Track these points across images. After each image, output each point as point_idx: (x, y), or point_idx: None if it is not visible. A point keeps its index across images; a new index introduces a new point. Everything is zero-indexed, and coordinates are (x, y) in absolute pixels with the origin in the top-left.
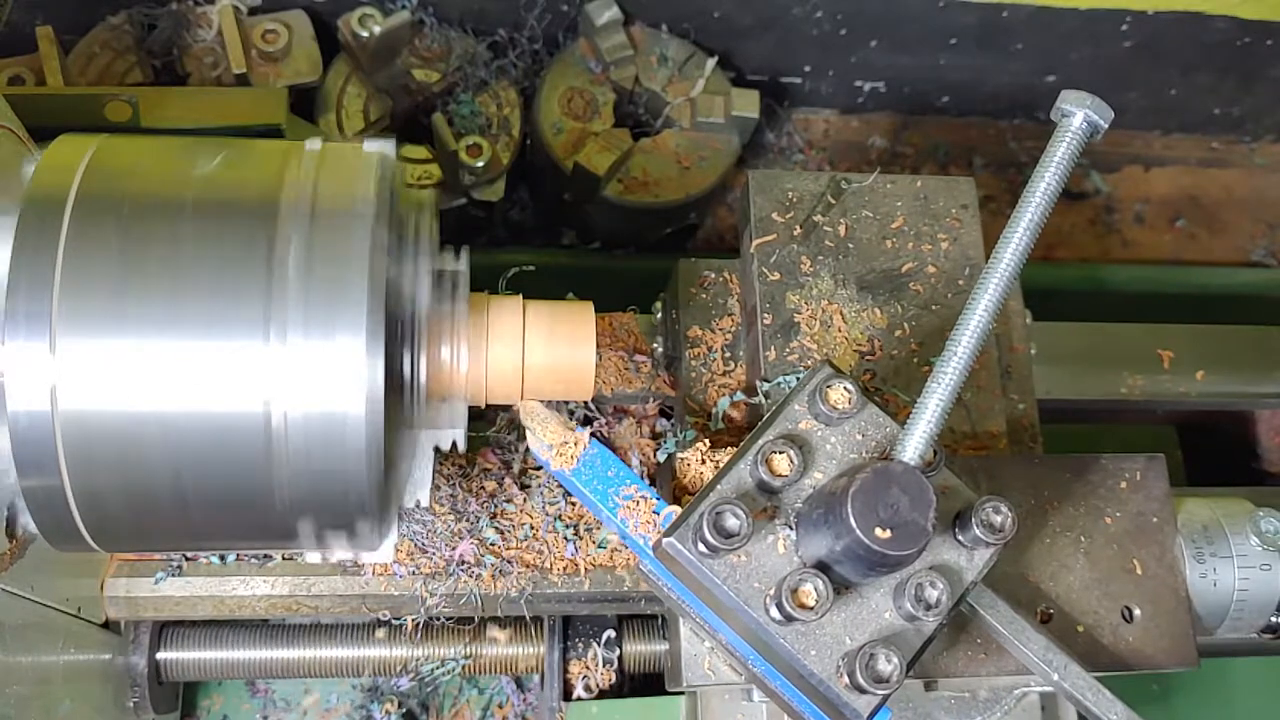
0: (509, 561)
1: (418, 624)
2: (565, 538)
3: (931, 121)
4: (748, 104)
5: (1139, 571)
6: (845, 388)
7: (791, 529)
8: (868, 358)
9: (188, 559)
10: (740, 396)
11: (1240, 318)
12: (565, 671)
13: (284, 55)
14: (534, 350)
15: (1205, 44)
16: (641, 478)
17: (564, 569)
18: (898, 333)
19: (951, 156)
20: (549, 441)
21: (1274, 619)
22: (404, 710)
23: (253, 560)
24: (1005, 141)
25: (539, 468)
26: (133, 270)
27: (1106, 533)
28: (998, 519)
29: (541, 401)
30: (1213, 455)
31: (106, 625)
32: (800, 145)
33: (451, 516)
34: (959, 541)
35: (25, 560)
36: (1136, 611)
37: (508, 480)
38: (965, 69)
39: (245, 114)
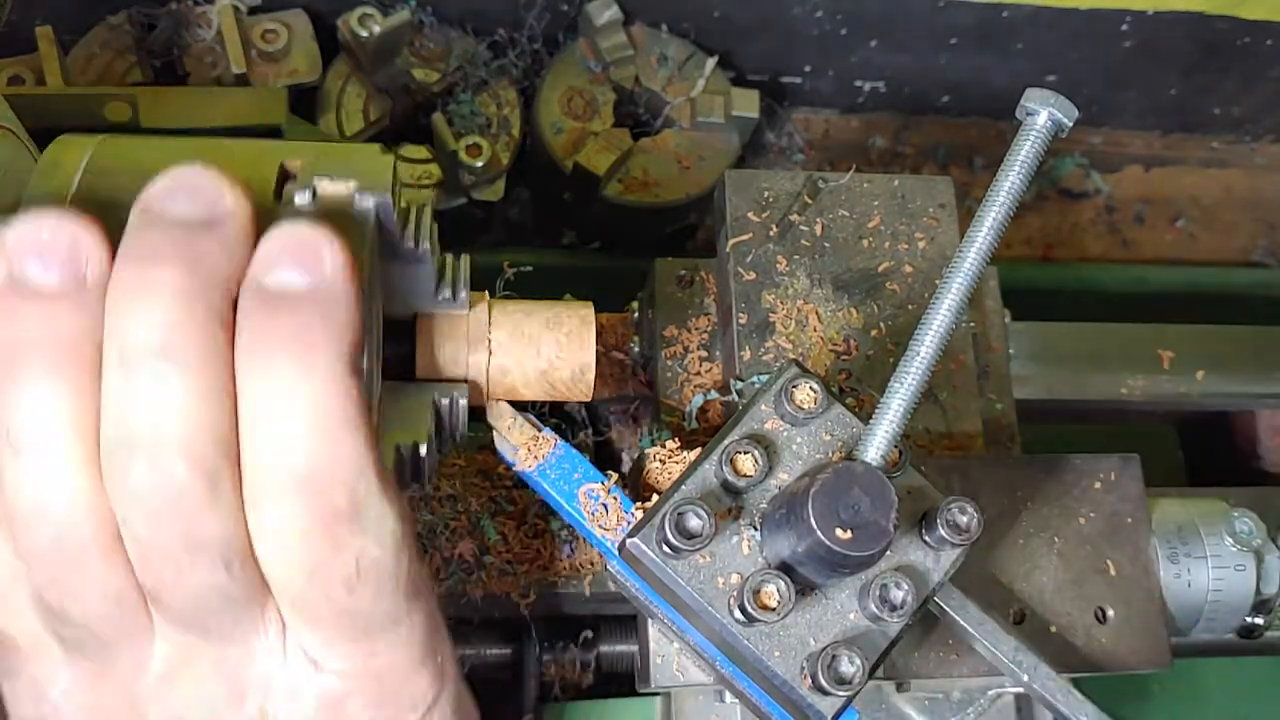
0: (509, 562)
1: None
2: (563, 539)
3: (931, 121)
4: (748, 104)
5: (1113, 572)
6: (811, 387)
7: (756, 530)
8: (844, 357)
9: None
10: (714, 395)
11: (1240, 318)
12: (542, 673)
13: (284, 55)
14: (534, 351)
15: (1205, 44)
16: (606, 475)
17: (563, 569)
18: (874, 332)
19: (951, 156)
20: (516, 442)
21: (1249, 620)
22: None
23: None
24: (1005, 141)
25: None
26: None
27: (1080, 533)
28: (963, 519)
29: (509, 402)
30: (1213, 455)
31: None
32: (800, 145)
33: (451, 516)
34: (925, 542)
35: None
36: (1110, 612)
37: (508, 480)
38: (965, 69)
39: (245, 114)
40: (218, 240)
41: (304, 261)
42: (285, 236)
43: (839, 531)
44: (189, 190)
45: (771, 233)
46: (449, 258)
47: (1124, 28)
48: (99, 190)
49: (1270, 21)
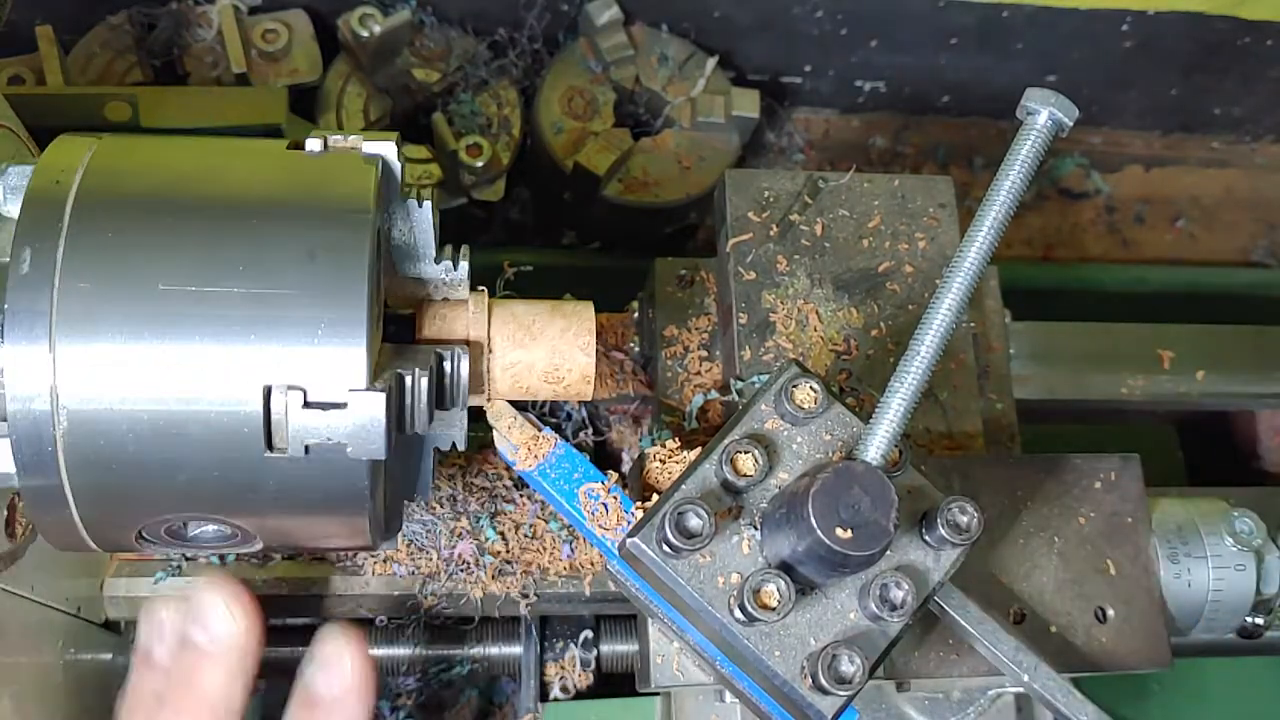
0: (508, 562)
1: (419, 623)
2: (562, 539)
3: (931, 121)
4: (748, 104)
5: (1113, 572)
6: (811, 387)
7: (756, 529)
8: (844, 357)
9: (188, 559)
10: (714, 395)
11: (1240, 318)
12: (542, 673)
13: (284, 55)
14: (534, 351)
15: (1205, 44)
16: (606, 475)
17: (563, 569)
18: (874, 332)
19: (951, 156)
20: (516, 442)
21: (1249, 620)
22: (405, 710)
23: (253, 560)
24: (1005, 141)
25: None
26: (132, 270)
27: (1080, 533)
28: (963, 519)
29: (509, 401)
30: (1213, 455)
31: (106, 625)
32: (800, 145)
33: (451, 516)
34: (925, 542)
35: (25, 560)
36: (1110, 612)
37: (508, 480)
38: (965, 69)
39: (245, 114)
40: (234, 673)
41: (333, 673)
42: (322, 645)
43: (839, 531)
44: (218, 631)
45: (772, 233)
46: (448, 249)
47: (1124, 28)
48: (99, 190)
49: (1270, 21)
